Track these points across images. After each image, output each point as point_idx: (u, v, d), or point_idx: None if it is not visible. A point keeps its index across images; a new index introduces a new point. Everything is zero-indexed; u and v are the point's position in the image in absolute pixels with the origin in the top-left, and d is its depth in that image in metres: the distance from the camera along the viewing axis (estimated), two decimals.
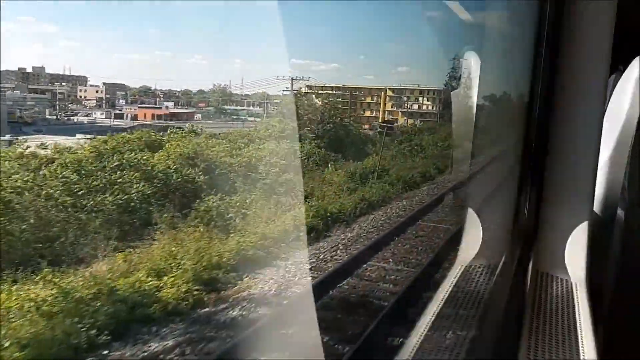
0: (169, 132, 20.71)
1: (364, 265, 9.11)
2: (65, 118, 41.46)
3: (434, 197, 15.41)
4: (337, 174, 17.79)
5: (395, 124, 36.59)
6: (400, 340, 6.65)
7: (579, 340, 2.87)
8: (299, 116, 22.78)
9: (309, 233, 11.30)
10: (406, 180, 17.19)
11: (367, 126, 40.33)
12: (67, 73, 47.27)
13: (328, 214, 12.67)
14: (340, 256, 9.77)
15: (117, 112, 45.53)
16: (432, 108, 43.77)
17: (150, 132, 17.17)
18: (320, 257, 9.74)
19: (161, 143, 16.78)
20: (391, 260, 9.60)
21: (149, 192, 12.54)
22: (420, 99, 44.30)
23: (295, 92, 27.74)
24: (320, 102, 25.26)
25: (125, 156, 13.32)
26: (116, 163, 13.10)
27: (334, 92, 45.48)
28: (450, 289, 3.58)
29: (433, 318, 3.01)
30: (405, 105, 44.36)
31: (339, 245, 10.44)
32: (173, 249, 10.02)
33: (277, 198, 13.80)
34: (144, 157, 13.40)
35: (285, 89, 29.63)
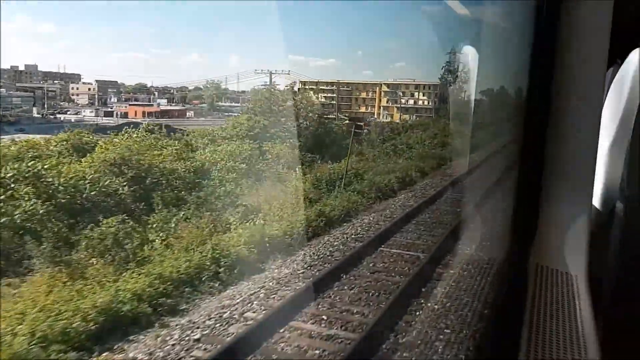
0: (124, 131, 17.41)
1: (272, 339, 5.80)
2: (52, 116, 38.71)
3: (409, 208, 12.05)
4: (306, 179, 14.48)
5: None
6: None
7: (579, 332, 2.73)
8: (272, 113, 19.43)
9: (232, 269, 8.01)
10: (381, 187, 13.84)
11: (361, 123, 37.59)
12: (61, 71, 44.18)
13: (267, 238, 9.35)
14: (247, 320, 6.44)
15: (107, 109, 42.70)
16: (428, 103, 40.81)
17: (82, 133, 13.90)
18: (224, 317, 6.44)
19: (96, 145, 13.43)
20: (322, 325, 6.27)
21: (42, 211, 9.20)
22: (416, 94, 41.34)
23: (270, 86, 24.38)
24: (297, 98, 21.83)
25: (23, 165, 9.98)
26: (10, 174, 9.76)
27: (327, 87, 42.69)
28: (450, 285, 4.24)
29: (434, 313, 3.53)
30: (400, 100, 41.37)
31: (253, 298, 7.11)
32: (28, 301, 6.79)
33: (214, 215, 10.46)
34: (46, 166, 10.08)
35: (264, 83, 26.37)
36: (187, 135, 17.87)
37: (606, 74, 4.02)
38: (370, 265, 8.37)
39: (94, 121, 38.21)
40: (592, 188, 3.85)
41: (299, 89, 36.20)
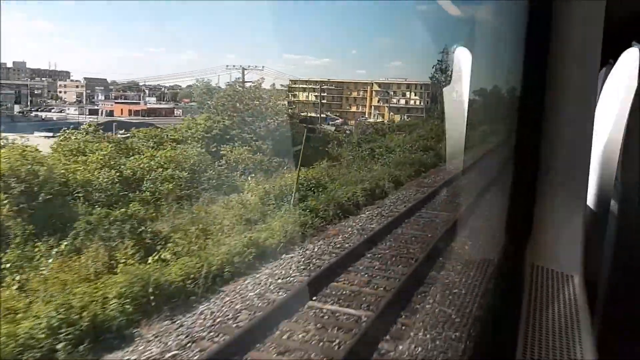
0: (60, 133, 14.45)
1: None
2: (33, 114, 36.15)
3: (368, 233, 9.08)
4: (257, 191, 11.55)
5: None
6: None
7: (575, 332, 2.65)
8: (237, 112, 16.46)
9: (77, 345, 5.06)
10: (342, 202, 10.87)
11: (352, 122, 35.28)
12: (51, 68, 41.67)
13: (152, 287, 6.38)
14: None
15: (92, 107, 40.11)
16: (420, 103, 38.21)
17: None
18: None
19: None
20: None
21: None
22: (408, 93, 38.79)
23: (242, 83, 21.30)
24: (267, 95, 18.80)
25: None
26: None
27: (318, 86, 40.11)
28: (447, 285, 3.88)
29: (431, 312, 3.25)
30: (391, 100, 38.85)
31: None
32: None
33: (108, 246, 7.48)
34: None
35: (235, 79, 23.30)
36: (133, 137, 14.88)
37: (599, 73, 3.80)
38: (284, 337, 5.39)
39: (75, 119, 35.39)
40: (587, 188, 3.64)
41: (289, 87, 33.07)
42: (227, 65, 23.88)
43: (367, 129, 24.40)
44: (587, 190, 3.62)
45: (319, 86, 39.19)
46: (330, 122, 33.24)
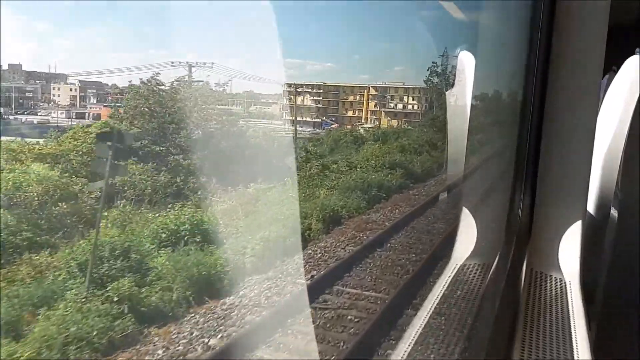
0: None
1: None
2: (12, 117, 32.42)
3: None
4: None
5: (354, 125, 27.20)
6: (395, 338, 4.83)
7: (572, 337, 2.50)
8: (154, 117, 11.76)
9: None
10: (214, 270, 5.84)
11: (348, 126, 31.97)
12: (52, 71, 38.03)
13: None
14: None
15: (79, 111, 36.16)
16: (418, 108, 34.33)
17: None
18: None
19: None
20: None
21: None
22: (405, 97, 34.98)
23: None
24: (195, 95, 13.98)
25: None
26: None
27: (314, 90, 36.34)
28: (445, 288, 3.24)
29: (428, 316, 2.72)
30: (388, 104, 35.14)
31: None
32: None
33: None
34: None
35: (177, 78, 18.26)
36: None
37: (602, 80, 3.54)
38: None
39: (57, 123, 31.49)
40: (587, 194, 3.41)
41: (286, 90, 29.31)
42: (172, 62, 19.00)
43: (344, 137, 19.31)
44: (587, 197, 3.36)
45: (318, 90, 35.43)
46: (326, 127, 30.64)
